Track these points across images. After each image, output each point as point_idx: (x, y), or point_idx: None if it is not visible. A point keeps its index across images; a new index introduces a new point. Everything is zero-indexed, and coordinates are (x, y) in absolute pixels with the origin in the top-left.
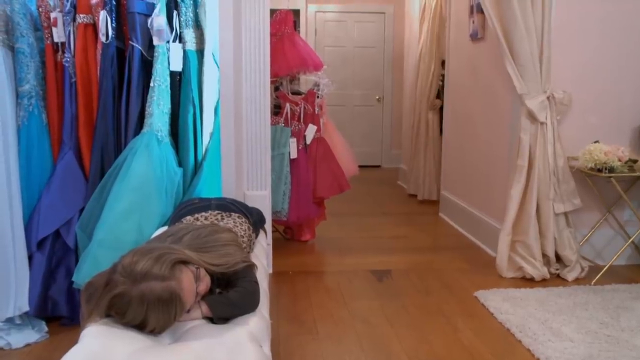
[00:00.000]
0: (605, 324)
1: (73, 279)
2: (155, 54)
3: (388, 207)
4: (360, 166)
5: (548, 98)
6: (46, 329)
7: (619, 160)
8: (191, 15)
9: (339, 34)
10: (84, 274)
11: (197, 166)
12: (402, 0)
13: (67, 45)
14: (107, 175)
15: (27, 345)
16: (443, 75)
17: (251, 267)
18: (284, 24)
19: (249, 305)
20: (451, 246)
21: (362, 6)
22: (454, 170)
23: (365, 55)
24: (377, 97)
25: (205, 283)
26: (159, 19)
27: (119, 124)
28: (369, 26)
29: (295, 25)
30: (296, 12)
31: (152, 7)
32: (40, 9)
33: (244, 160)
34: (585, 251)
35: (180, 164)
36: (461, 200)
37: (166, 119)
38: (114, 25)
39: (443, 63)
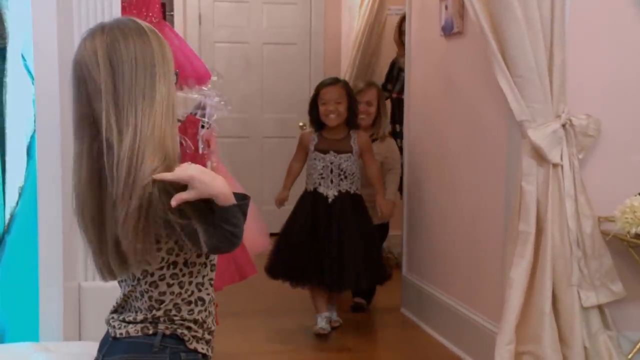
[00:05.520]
0: None
1: None
2: None
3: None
4: (272, 234)
5: (564, 126)
6: None
7: None
8: None
9: (239, 24)
10: None
11: None
12: None
13: None
14: None
15: None
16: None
17: None
18: (146, 10)
19: None
20: None
21: None
22: (422, 243)
23: (282, 58)
24: (300, 124)
25: None
26: None
27: None
28: (286, 12)
29: (165, 11)
30: None
31: None
32: None
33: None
34: None
35: None
36: (434, 288)
37: None
38: None
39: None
